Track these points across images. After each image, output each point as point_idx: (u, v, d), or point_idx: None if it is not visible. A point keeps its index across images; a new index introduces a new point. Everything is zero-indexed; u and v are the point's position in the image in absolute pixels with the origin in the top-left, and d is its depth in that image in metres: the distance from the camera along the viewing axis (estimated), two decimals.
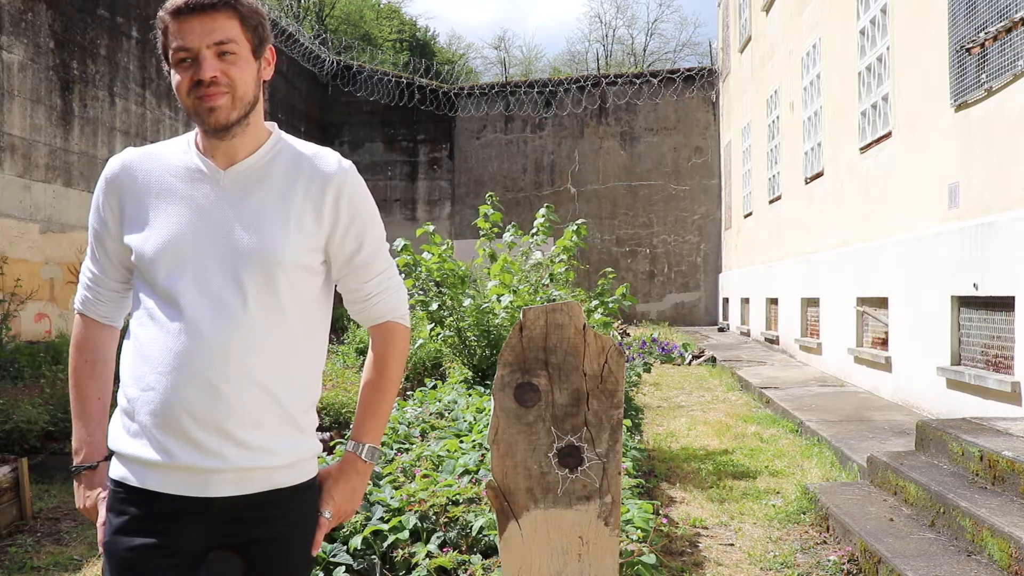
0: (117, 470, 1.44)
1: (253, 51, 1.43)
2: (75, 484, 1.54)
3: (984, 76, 5.39)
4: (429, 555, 2.88)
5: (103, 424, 1.54)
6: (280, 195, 1.45)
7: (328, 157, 1.52)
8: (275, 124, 1.55)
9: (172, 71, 1.41)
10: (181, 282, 1.40)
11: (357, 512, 3.12)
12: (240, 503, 1.41)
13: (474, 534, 2.99)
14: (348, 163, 1.53)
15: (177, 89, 1.41)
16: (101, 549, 1.46)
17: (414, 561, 2.88)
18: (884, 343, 7.36)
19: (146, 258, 1.42)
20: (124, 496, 1.42)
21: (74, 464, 1.54)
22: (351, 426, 1.62)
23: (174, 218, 1.42)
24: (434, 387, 6.33)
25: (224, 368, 1.37)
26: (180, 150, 1.49)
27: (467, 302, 5.92)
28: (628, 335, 13.04)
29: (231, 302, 1.39)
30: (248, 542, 1.44)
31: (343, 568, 2.83)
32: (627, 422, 5.32)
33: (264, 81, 1.49)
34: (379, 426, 1.59)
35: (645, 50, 35.48)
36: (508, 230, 6.45)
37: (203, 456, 1.38)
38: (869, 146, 7.77)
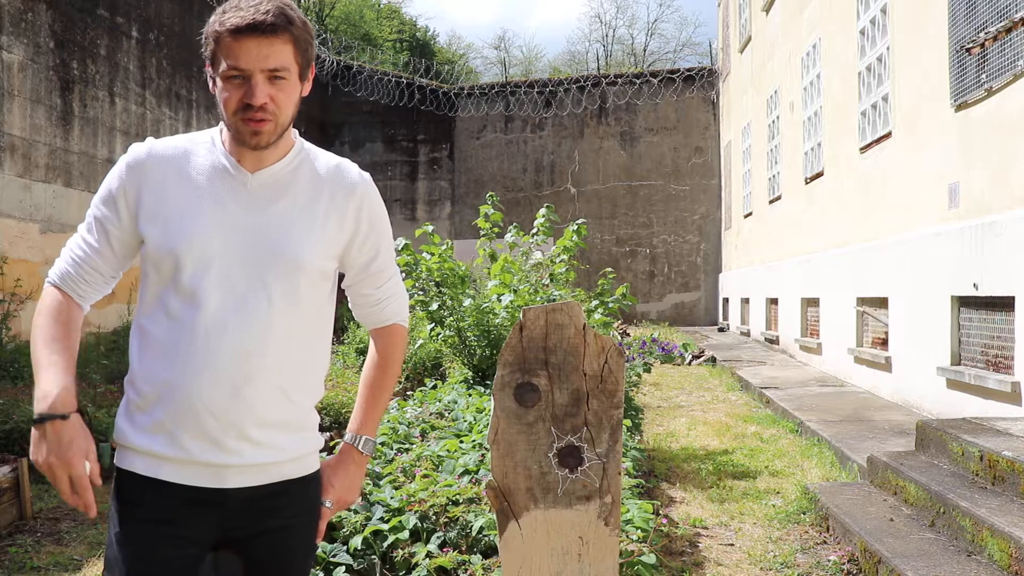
0: (125, 461, 1.45)
1: (300, 73, 1.45)
2: (35, 435, 1.34)
3: (984, 76, 5.39)
4: (429, 555, 2.88)
5: (74, 376, 1.44)
6: (307, 201, 1.49)
7: (350, 168, 1.57)
8: (296, 131, 1.56)
9: (218, 82, 1.41)
10: (205, 281, 1.40)
11: (357, 512, 3.12)
12: (253, 494, 1.45)
13: (474, 534, 2.99)
14: (367, 175, 1.59)
15: (224, 104, 1.41)
16: (92, 513, 1.38)
17: (414, 561, 2.88)
18: (884, 343, 7.36)
19: (170, 255, 1.41)
20: (135, 485, 1.43)
21: (38, 412, 1.34)
22: (350, 421, 1.67)
23: (201, 217, 1.42)
24: (434, 387, 6.33)
25: (247, 369, 1.40)
26: (206, 148, 1.48)
27: (467, 302, 5.92)
28: (628, 335, 13.04)
29: (256, 304, 1.42)
30: (258, 533, 1.47)
31: (343, 568, 2.83)
32: (627, 422, 5.32)
33: (304, 95, 1.50)
34: (377, 420, 1.67)
35: (645, 50, 35.49)
36: (509, 230, 6.45)
37: (220, 453, 1.41)
38: (869, 146, 7.77)
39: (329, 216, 1.50)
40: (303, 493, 1.53)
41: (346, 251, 1.55)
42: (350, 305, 1.66)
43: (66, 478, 1.33)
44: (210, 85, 1.44)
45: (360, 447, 1.62)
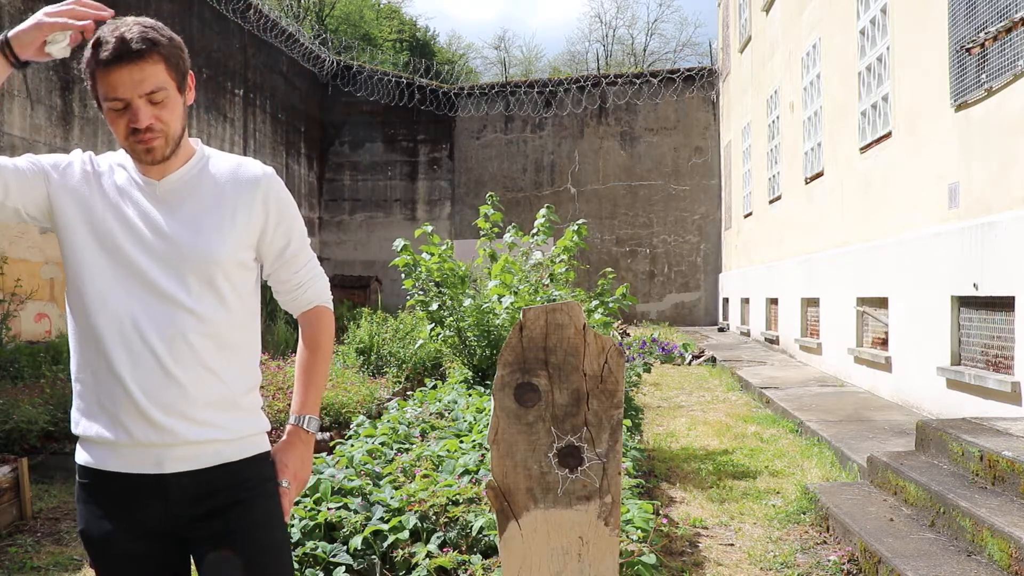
0: (81, 455, 1.57)
1: (178, 87, 1.53)
2: (28, 25, 1.46)
3: (984, 76, 5.39)
4: (429, 555, 2.88)
5: None
6: (213, 200, 1.59)
7: (252, 164, 1.66)
8: (199, 140, 1.67)
9: (105, 113, 1.50)
10: (129, 278, 1.51)
11: (357, 512, 3.12)
12: (194, 478, 1.54)
13: (474, 534, 3.00)
14: (270, 169, 1.68)
15: (114, 131, 1.51)
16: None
17: (414, 561, 2.88)
18: (884, 343, 7.36)
19: (93, 257, 1.52)
20: (89, 485, 1.56)
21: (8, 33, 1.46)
22: (292, 404, 1.78)
23: (116, 220, 1.53)
24: (434, 387, 6.33)
25: (173, 352, 1.50)
26: (117, 163, 1.59)
27: (467, 302, 5.92)
28: (628, 335, 13.04)
29: (176, 295, 1.52)
30: (209, 513, 1.55)
31: (343, 568, 2.84)
32: (627, 422, 5.32)
33: (188, 105, 1.60)
34: (316, 400, 1.75)
35: (645, 50, 35.48)
36: (509, 230, 6.45)
37: (157, 432, 1.50)
38: (869, 146, 7.77)
39: (237, 211, 1.59)
40: (248, 472, 1.60)
41: (260, 242, 1.65)
42: (274, 294, 1.77)
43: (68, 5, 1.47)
44: (106, 120, 1.53)
45: (305, 427, 1.71)
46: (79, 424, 1.55)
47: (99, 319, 1.51)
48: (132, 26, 1.45)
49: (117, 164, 1.59)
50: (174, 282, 1.52)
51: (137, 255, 1.51)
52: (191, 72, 1.57)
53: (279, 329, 10.51)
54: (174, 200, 1.56)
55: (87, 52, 1.47)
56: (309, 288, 1.75)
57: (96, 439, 1.52)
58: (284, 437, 1.73)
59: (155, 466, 1.51)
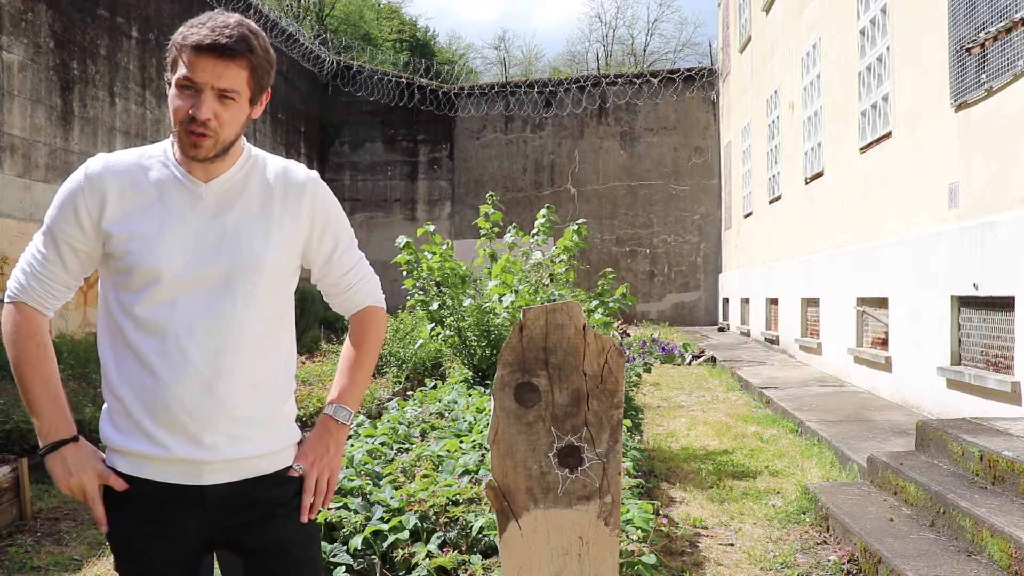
0: (110, 461, 1.53)
1: (251, 98, 1.51)
2: (53, 463, 1.51)
3: (984, 76, 5.39)
4: (429, 555, 2.88)
5: (66, 403, 1.57)
6: (260, 206, 1.56)
7: (297, 169, 1.64)
8: (243, 138, 1.61)
9: (172, 89, 1.47)
10: (172, 290, 1.47)
11: (357, 512, 3.12)
12: (231, 489, 1.52)
13: (474, 534, 3.00)
14: (315, 173, 1.66)
15: (173, 111, 1.47)
16: (104, 528, 1.52)
17: (414, 561, 2.88)
18: (884, 343, 7.36)
19: (136, 268, 1.47)
20: (123, 487, 1.50)
21: (51, 442, 1.51)
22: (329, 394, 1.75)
23: (163, 231, 1.48)
24: (434, 387, 6.33)
25: (216, 367, 1.47)
26: (159, 161, 1.54)
27: (467, 302, 5.92)
28: (628, 335, 13.04)
29: (222, 306, 1.48)
30: (242, 525, 1.53)
31: (343, 568, 2.83)
32: (627, 422, 5.32)
33: (252, 118, 1.56)
34: (355, 394, 1.70)
35: (645, 50, 35.48)
36: (509, 230, 6.45)
37: (198, 449, 1.47)
38: (869, 146, 7.77)
39: (283, 217, 1.57)
40: (283, 485, 1.59)
41: (307, 248, 1.63)
42: (324, 297, 1.76)
43: (93, 491, 1.51)
44: (167, 90, 1.51)
45: (333, 415, 1.67)
46: (112, 439, 1.51)
47: (140, 332, 1.47)
48: (235, 26, 1.45)
49: (159, 161, 1.53)
50: (219, 294, 1.48)
51: (180, 266, 1.47)
52: (268, 90, 1.56)
53: None
54: (219, 206, 1.52)
55: (182, 29, 1.47)
56: (360, 290, 1.73)
57: (130, 452, 1.49)
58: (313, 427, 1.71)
59: (194, 478, 1.49)
